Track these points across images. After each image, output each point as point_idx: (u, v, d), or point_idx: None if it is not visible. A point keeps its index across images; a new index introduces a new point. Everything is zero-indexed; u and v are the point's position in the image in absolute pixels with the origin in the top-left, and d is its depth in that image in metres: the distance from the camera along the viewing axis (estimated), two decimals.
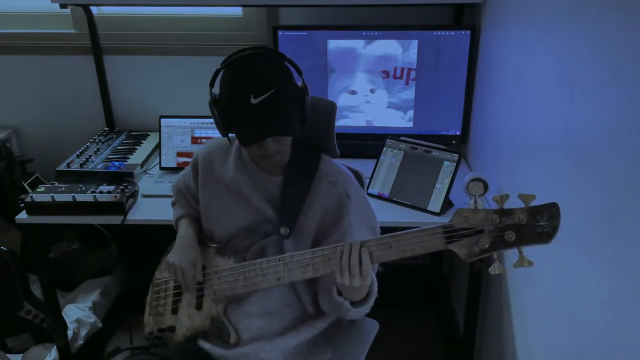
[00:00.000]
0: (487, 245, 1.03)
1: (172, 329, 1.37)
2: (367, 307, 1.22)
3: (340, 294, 1.18)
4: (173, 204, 1.50)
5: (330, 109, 1.34)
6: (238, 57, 1.15)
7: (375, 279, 1.21)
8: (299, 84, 1.21)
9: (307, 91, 1.20)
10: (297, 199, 1.26)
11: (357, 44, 2.02)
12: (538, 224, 0.99)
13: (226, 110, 1.17)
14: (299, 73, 1.22)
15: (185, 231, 1.38)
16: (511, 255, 1.05)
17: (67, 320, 2.01)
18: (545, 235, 0.99)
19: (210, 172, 1.35)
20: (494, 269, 1.04)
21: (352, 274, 1.10)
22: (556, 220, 0.99)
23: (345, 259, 1.11)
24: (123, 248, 2.34)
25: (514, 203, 1.02)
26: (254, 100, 1.11)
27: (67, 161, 1.97)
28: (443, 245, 1.07)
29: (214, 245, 1.34)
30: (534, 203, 1.00)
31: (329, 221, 1.26)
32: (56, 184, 1.80)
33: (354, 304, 1.19)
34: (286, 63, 1.19)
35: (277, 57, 1.18)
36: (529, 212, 1.00)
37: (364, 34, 2.00)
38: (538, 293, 1.35)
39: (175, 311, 1.37)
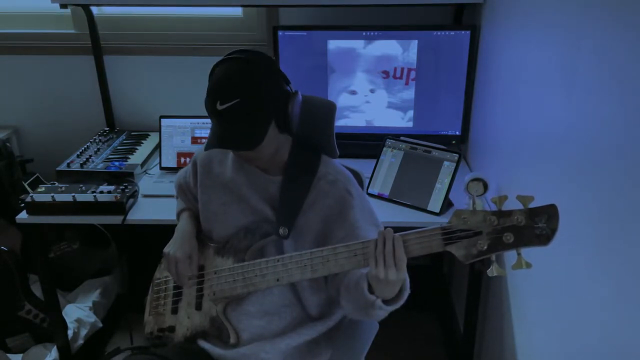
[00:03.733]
0: (485, 247, 1.02)
1: (172, 328, 1.37)
2: (399, 304, 1.15)
3: (371, 292, 1.12)
4: (176, 197, 1.51)
5: (329, 109, 1.34)
6: (223, 59, 1.17)
7: (406, 274, 1.13)
8: (288, 88, 1.19)
9: (291, 97, 1.18)
10: (296, 200, 1.26)
11: (357, 44, 2.02)
12: (536, 225, 0.99)
13: (206, 109, 1.18)
14: (287, 82, 1.20)
15: (184, 224, 1.39)
16: (512, 256, 1.05)
17: (67, 320, 2.01)
18: (544, 237, 0.98)
19: (209, 172, 1.35)
20: (492, 271, 1.03)
21: (387, 265, 1.06)
22: (555, 222, 0.98)
23: (380, 249, 1.07)
24: (123, 248, 2.34)
25: (513, 204, 1.02)
26: (219, 107, 1.13)
27: (67, 161, 1.97)
28: (441, 247, 1.06)
29: (213, 244, 1.35)
30: (533, 204, 1.00)
31: (333, 220, 1.25)
32: (56, 184, 1.80)
33: (385, 302, 1.13)
34: (276, 69, 1.18)
35: (258, 63, 1.15)
36: (527, 213, 0.99)
37: (364, 34, 2.00)
38: (538, 293, 1.35)
39: (175, 311, 1.37)
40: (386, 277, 1.06)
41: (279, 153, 1.28)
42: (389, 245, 1.06)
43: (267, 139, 1.16)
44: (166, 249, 1.33)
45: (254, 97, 1.13)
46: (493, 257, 1.03)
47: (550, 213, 0.98)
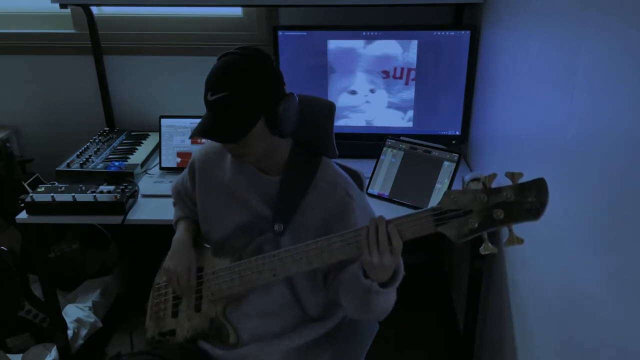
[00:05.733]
0: (476, 225, 1.02)
1: (172, 332, 1.37)
2: (396, 285, 1.15)
3: (366, 277, 1.13)
4: (174, 204, 1.51)
5: (329, 109, 1.34)
6: (225, 53, 1.17)
7: (400, 258, 1.14)
8: (284, 89, 1.19)
9: (284, 98, 1.17)
10: (293, 197, 1.26)
11: (357, 44, 2.02)
12: (526, 200, 0.98)
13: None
14: (283, 83, 1.19)
15: (180, 235, 1.38)
16: (509, 249, 1.05)
17: (67, 320, 2.01)
18: (534, 212, 0.98)
19: (207, 174, 1.35)
20: (484, 249, 1.03)
21: (381, 251, 1.06)
22: (544, 196, 0.97)
23: (372, 236, 1.07)
24: (123, 248, 2.34)
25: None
26: (209, 97, 1.14)
27: (67, 161, 1.97)
28: (432, 229, 1.06)
29: (211, 246, 1.34)
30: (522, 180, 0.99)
31: (333, 222, 1.25)
32: (56, 184, 1.80)
33: (382, 285, 1.13)
34: (272, 68, 1.17)
35: (254, 60, 1.15)
36: (516, 189, 0.99)
37: (364, 34, 2.00)
38: (538, 293, 1.35)
39: (175, 314, 1.37)
40: (381, 263, 1.07)
41: (278, 154, 1.27)
42: (382, 232, 1.07)
43: (252, 135, 1.15)
44: (165, 264, 1.33)
45: (242, 92, 1.14)
46: (485, 235, 1.03)
47: (539, 187, 0.97)
